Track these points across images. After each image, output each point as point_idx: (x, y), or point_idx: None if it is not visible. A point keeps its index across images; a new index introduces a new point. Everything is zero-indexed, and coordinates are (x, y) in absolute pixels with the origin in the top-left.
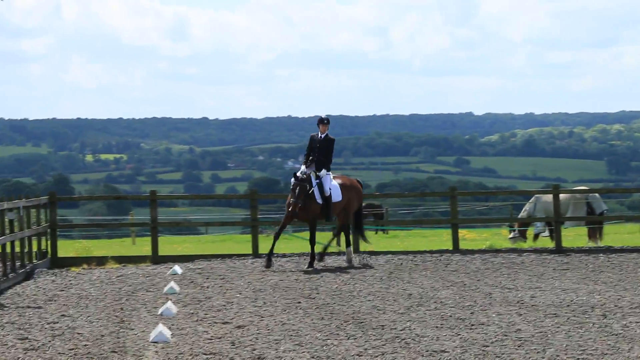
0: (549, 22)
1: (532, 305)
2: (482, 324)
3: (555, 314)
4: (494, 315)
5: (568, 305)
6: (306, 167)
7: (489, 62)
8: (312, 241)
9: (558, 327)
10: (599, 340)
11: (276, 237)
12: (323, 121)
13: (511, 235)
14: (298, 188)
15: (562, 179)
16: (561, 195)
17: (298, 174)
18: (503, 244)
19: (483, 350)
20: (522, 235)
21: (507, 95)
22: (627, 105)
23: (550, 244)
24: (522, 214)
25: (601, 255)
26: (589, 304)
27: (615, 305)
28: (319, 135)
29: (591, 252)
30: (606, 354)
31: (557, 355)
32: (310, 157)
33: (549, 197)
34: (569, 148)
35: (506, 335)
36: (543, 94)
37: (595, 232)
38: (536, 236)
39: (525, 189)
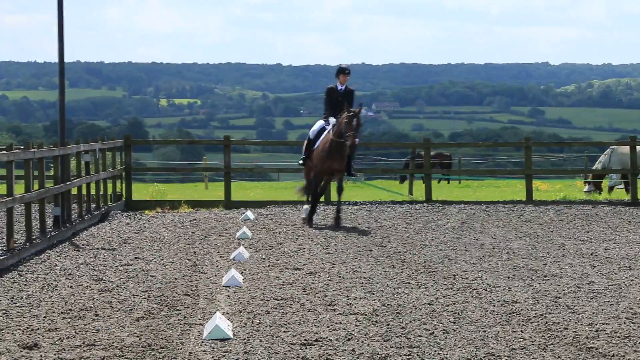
0: None
1: (606, 258)
2: (555, 276)
3: (629, 266)
4: (566, 267)
5: None
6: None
7: (567, 11)
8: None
9: (632, 280)
10: None
11: (317, 198)
12: (344, 71)
13: (586, 189)
14: (335, 145)
15: (639, 130)
16: (638, 147)
17: (329, 128)
18: (577, 195)
19: (555, 302)
20: (597, 187)
21: (585, 45)
22: None
23: (626, 197)
24: (597, 165)
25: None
26: None
27: None
28: (339, 87)
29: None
30: None
31: (630, 308)
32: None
33: (625, 149)
34: None
35: (579, 287)
36: (622, 44)
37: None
38: (611, 188)
39: (600, 140)
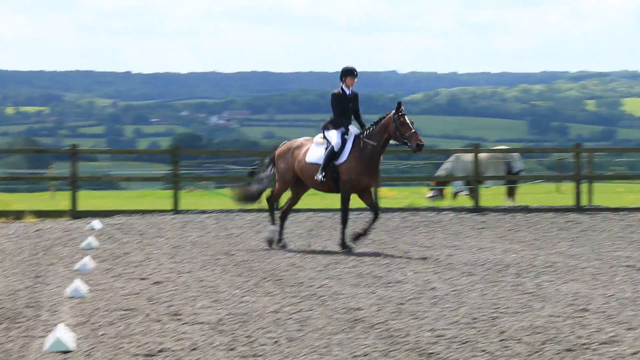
0: None
1: (448, 264)
2: (399, 282)
3: (470, 272)
4: (410, 274)
5: (483, 264)
6: (344, 127)
7: (414, 20)
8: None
9: (473, 285)
10: (512, 298)
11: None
12: (352, 73)
13: (430, 194)
14: (376, 155)
15: (484, 138)
16: (480, 155)
17: (351, 139)
18: (423, 202)
19: (398, 308)
20: (441, 193)
21: (432, 54)
22: (549, 66)
23: (469, 203)
24: (440, 172)
25: (518, 214)
26: (504, 263)
27: (530, 264)
28: (347, 91)
29: (508, 211)
30: (518, 312)
31: (470, 313)
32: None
33: (468, 156)
34: (491, 107)
35: (421, 293)
36: (467, 53)
37: (513, 191)
38: (455, 195)
39: (446, 147)
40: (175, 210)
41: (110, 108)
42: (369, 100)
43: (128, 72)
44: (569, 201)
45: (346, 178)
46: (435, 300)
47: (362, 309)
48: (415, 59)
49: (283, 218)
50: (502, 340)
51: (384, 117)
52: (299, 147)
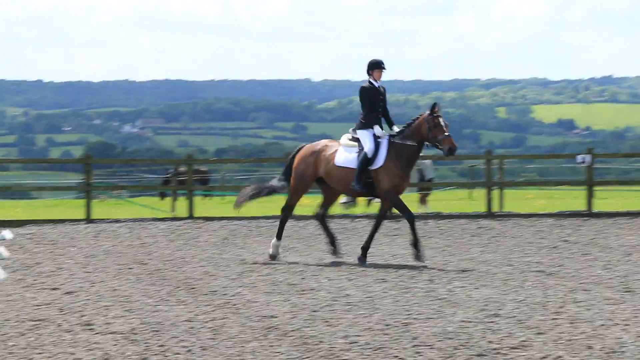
0: None
1: (362, 271)
2: (313, 289)
3: (383, 279)
4: (324, 281)
5: (396, 271)
6: (374, 127)
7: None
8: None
9: (386, 292)
10: (425, 304)
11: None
12: (380, 65)
13: (344, 201)
14: (412, 156)
15: None
16: None
17: (384, 136)
18: (337, 209)
19: (312, 315)
20: (354, 200)
21: (345, 61)
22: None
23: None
24: None
25: (430, 221)
26: (417, 269)
27: (442, 270)
28: (375, 84)
29: (421, 217)
30: (431, 318)
31: (384, 320)
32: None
33: None
34: (404, 115)
35: (335, 300)
36: None
37: (425, 198)
38: (369, 202)
39: None
40: (88, 220)
41: (21, 117)
42: (283, 107)
43: (39, 81)
44: (481, 207)
45: (389, 185)
46: (349, 307)
47: (276, 317)
48: (328, 66)
49: (322, 223)
50: (414, 346)
51: (418, 118)
52: (324, 149)
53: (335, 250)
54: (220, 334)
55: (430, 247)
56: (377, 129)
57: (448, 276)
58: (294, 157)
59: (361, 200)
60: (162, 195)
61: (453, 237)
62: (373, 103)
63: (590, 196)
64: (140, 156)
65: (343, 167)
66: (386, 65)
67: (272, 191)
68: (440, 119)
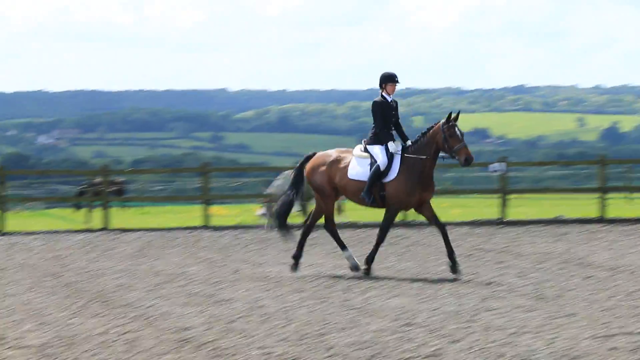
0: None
1: (278, 281)
2: (229, 300)
3: (300, 289)
4: (240, 292)
5: (313, 281)
6: (388, 144)
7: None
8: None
9: (302, 302)
10: (341, 314)
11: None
12: (393, 79)
13: (261, 212)
14: (429, 167)
15: None
16: None
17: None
18: (254, 220)
19: (227, 327)
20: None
21: (261, 72)
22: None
23: (300, 220)
24: (271, 189)
25: (347, 230)
26: (333, 279)
27: (358, 280)
28: (388, 98)
29: (338, 227)
30: (346, 327)
31: (299, 330)
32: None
33: None
34: (321, 124)
35: (251, 311)
36: (296, 71)
37: (342, 207)
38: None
39: (278, 164)
40: (1, 232)
41: None
42: (200, 117)
43: None
44: (398, 217)
45: (394, 199)
46: (264, 317)
47: (191, 329)
48: (245, 76)
49: (305, 234)
50: (329, 356)
51: (433, 127)
52: (337, 160)
53: (350, 260)
54: (135, 346)
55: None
56: (391, 146)
57: (364, 285)
58: (302, 164)
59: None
60: (77, 207)
61: (369, 246)
62: (385, 118)
63: (503, 204)
64: (55, 167)
65: (356, 180)
66: (399, 78)
67: (292, 203)
68: (456, 128)
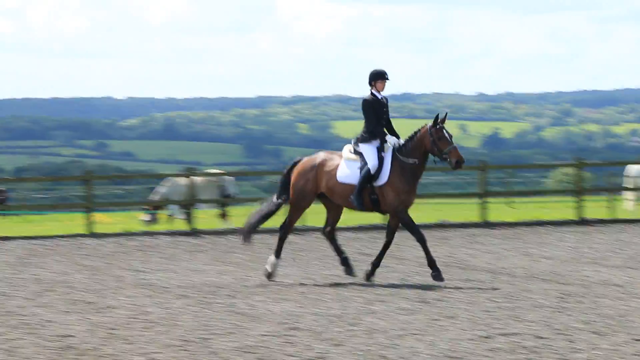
0: (187, 7)
1: (163, 287)
2: (112, 307)
3: (184, 295)
4: (124, 299)
5: (197, 286)
6: (386, 137)
7: (129, 45)
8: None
9: (186, 308)
10: (225, 319)
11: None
12: (383, 76)
13: (146, 218)
14: (416, 170)
15: (201, 162)
16: (195, 178)
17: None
18: (138, 226)
19: (110, 333)
20: (155, 217)
21: (147, 79)
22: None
23: (184, 226)
24: (155, 196)
25: (232, 236)
26: (218, 285)
27: (243, 285)
28: (378, 95)
29: (223, 233)
30: (231, 332)
31: (183, 336)
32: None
33: (183, 180)
34: (207, 132)
35: (135, 318)
36: (182, 78)
37: (226, 214)
38: (170, 218)
39: (163, 172)
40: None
41: None
42: (84, 125)
43: None
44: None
45: (396, 201)
46: (148, 324)
47: (73, 336)
48: (131, 84)
49: (332, 240)
50: None
51: (420, 130)
52: (324, 162)
53: (349, 270)
54: (15, 355)
55: (232, 263)
56: (389, 138)
57: (248, 290)
58: (289, 171)
59: (161, 216)
60: None
61: (254, 252)
62: (377, 115)
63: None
64: None
65: (345, 183)
66: (389, 75)
67: (273, 212)
68: (444, 131)
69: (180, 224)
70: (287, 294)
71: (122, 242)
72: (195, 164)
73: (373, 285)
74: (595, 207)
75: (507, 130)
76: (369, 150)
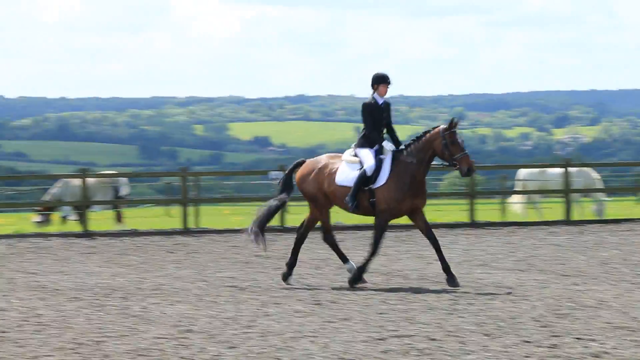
0: (80, 5)
1: (55, 290)
2: (3, 310)
3: (77, 297)
4: (15, 301)
5: (91, 289)
6: (384, 143)
7: (20, 44)
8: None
9: (79, 310)
10: (118, 322)
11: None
12: (385, 80)
13: (38, 220)
14: (422, 174)
15: (95, 163)
16: (89, 179)
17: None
18: (31, 228)
19: (1, 337)
20: (48, 219)
21: (40, 78)
22: (158, 91)
23: (78, 228)
24: (47, 197)
25: (126, 238)
26: (112, 287)
27: (137, 288)
28: (379, 100)
29: (117, 235)
30: (124, 335)
31: (75, 338)
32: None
33: (76, 181)
34: (102, 132)
35: (26, 321)
36: (76, 78)
37: (121, 215)
38: (63, 220)
39: (57, 172)
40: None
41: None
42: None
43: None
44: (178, 224)
45: (384, 206)
46: (40, 326)
47: None
48: (23, 83)
49: (334, 246)
50: None
51: (429, 131)
52: (325, 166)
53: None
54: None
55: (126, 265)
56: (386, 144)
57: (143, 293)
58: (291, 170)
59: (54, 218)
60: None
61: (149, 254)
62: (375, 120)
63: (283, 211)
64: None
65: (344, 186)
66: (391, 79)
67: (278, 208)
68: (457, 135)
69: (73, 226)
70: (181, 297)
71: (13, 244)
72: (90, 165)
73: (268, 288)
74: (487, 210)
75: (402, 133)
76: (366, 153)
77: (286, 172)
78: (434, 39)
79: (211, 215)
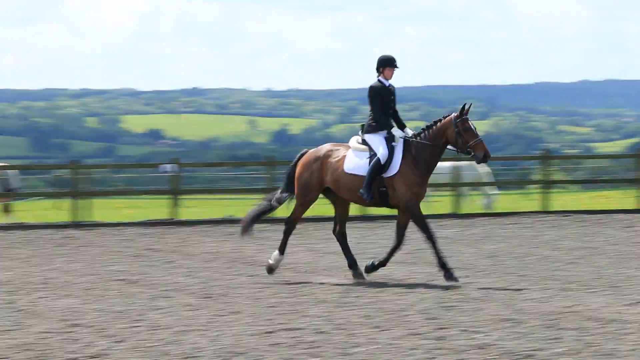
0: None
1: None
2: None
3: None
4: None
5: None
6: (392, 130)
7: None
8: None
9: None
10: (4, 317)
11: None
12: (392, 62)
13: None
14: (430, 162)
15: None
16: None
17: (399, 138)
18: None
19: None
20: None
21: None
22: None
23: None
24: None
25: (14, 231)
26: None
27: (25, 282)
28: (386, 83)
29: (5, 228)
30: (10, 330)
31: None
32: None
33: None
34: None
35: None
36: None
37: (9, 208)
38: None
39: None
40: None
41: None
42: None
43: None
44: (68, 217)
45: (408, 194)
46: None
47: None
48: None
49: (342, 242)
50: None
51: (441, 120)
52: (330, 154)
53: (356, 274)
54: None
55: (13, 258)
56: (395, 131)
57: (30, 287)
58: (295, 164)
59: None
60: None
61: (37, 247)
62: (384, 104)
63: (175, 204)
64: None
65: (353, 174)
66: (398, 63)
67: (274, 208)
68: (470, 122)
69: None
70: (70, 290)
71: None
72: None
73: (158, 282)
74: None
75: (296, 126)
76: (377, 140)
77: (291, 165)
78: (328, 33)
79: (104, 209)
